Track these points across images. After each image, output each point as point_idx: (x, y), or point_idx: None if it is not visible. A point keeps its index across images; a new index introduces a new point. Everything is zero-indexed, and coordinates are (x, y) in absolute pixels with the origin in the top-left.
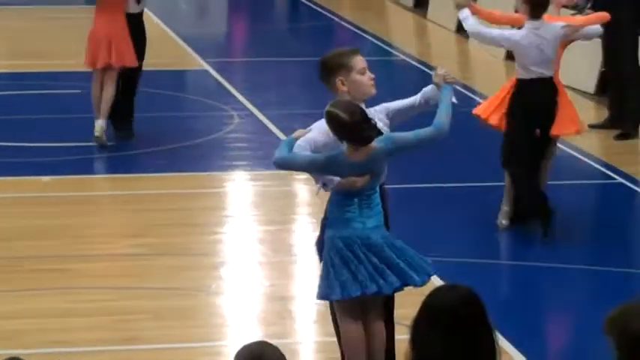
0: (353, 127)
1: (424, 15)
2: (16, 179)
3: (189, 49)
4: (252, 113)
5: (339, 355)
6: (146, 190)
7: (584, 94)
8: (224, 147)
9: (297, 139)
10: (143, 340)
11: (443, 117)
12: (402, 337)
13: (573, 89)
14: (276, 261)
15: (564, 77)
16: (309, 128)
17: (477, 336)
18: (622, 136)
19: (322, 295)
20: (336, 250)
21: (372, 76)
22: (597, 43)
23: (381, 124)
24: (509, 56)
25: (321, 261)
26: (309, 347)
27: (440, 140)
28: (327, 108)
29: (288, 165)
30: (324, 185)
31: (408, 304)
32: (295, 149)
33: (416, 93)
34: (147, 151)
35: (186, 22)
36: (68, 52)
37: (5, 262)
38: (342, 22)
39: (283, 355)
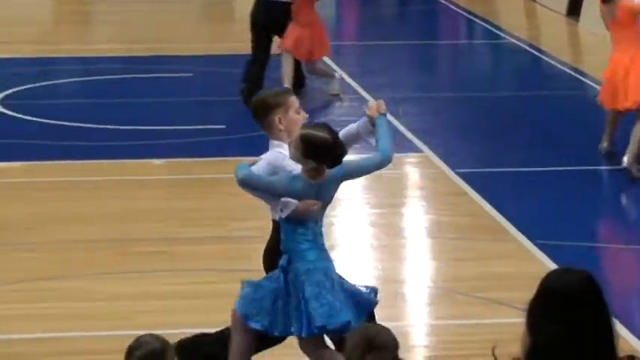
0: (333, 147)
1: None
2: (128, 162)
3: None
4: (361, 97)
5: (450, 337)
6: None
7: None
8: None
9: (249, 165)
10: None
11: (387, 145)
12: (513, 320)
13: None
14: (388, 244)
15: None
16: (259, 158)
17: (595, 319)
18: None
19: (326, 324)
20: (311, 282)
21: (306, 115)
22: None
23: None
24: None
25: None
26: (421, 330)
27: (384, 167)
28: (300, 132)
29: (254, 182)
30: (282, 210)
31: (518, 288)
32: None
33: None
34: (251, 135)
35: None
36: (181, 37)
37: (116, 245)
38: (451, 6)
39: (396, 337)
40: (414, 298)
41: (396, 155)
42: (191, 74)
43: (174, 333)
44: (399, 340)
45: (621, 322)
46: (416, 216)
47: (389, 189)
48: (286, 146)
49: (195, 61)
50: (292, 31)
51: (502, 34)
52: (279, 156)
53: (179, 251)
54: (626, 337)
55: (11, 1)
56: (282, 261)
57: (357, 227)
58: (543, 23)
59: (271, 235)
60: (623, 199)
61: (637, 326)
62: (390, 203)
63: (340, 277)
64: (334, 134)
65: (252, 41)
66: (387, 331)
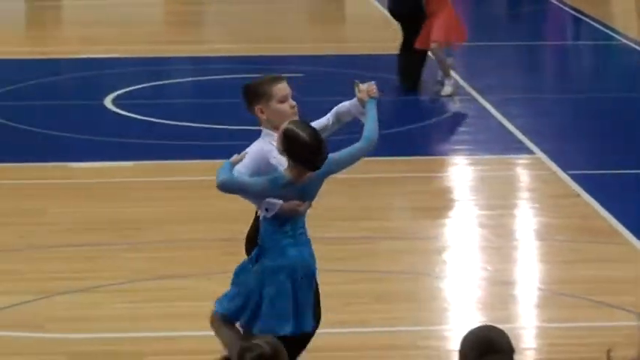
0: (310, 151)
1: None
2: None
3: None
4: (472, 97)
5: (561, 340)
6: (368, 173)
7: None
8: (445, 131)
9: (234, 163)
10: (368, 323)
11: (372, 129)
12: (625, 323)
13: None
14: (499, 246)
15: None
16: (244, 153)
17: None
18: None
19: (269, 329)
20: (274, 281)
21: (294, 104)
22: None
23: None
24: None
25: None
26: (531, 332)
27: (371, 152)
28: (286, 126)
29: (235, 186)
30: (267, 210)
31: (630, 292)
32: (235, 174)
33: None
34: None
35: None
36: (292, 37)
37: (227, 244)
38: (562, 6)
39: (510, 340)
40: (524, 300)
41: (507, 157)
42: (301, 74)
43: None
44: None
45: None
46: (526, 218)
47: (500, 191)
48: (276, 135)
49: (305, 61)
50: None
51: (614, 35)
52: (265, 149)
53: None
54: None
55: (124, 1)
56: (252, 254)
57: (468, 229)
58: None
59: (252, 224)
60: None
61: None
62: (501, 205)
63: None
64: (316, 139)
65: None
66: (501, 333)
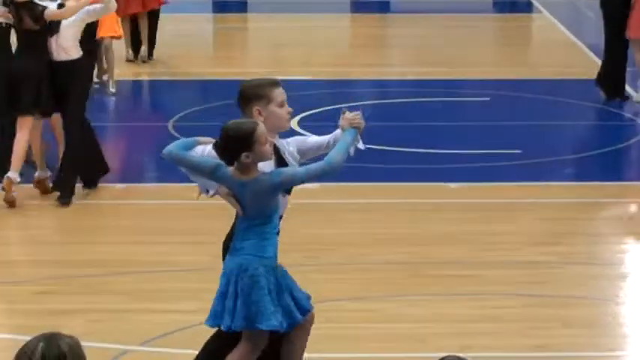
0: (226, 140)
1: None
2: (423, 185)
3: (595, 58)
4: None
5: None
6: (553, 198)
7: None
8: (629, 158)
9: (200, 143)
10: (552, 347)
11: (337, 154)
12: None
13: None
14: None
15: None
16: (211, 139)
17: None
18: None
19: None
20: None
21: (290, 110)
22: None
23: (289, 158)
24: None
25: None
26: None
27: (329, 176)
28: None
29: (178, 159)
30: (207, 191)
31: None
32: (191, 152)
33: None
34: (555, 159)
35: (588, 28)
36: (474, 60)
37: (414, 267)
38: None
39: None
40: None
41: None
42: (488, 98)
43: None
44: None
45: None
46: None
47: None
48: None
49: (492, 84)
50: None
51: None
52: None
53: (477, 275)
54: None
55: (311, 24)
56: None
57: None
58: None
59: (233, 224)
60: None
61: None
62: None
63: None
64: (238, 131)
65: None
66: None
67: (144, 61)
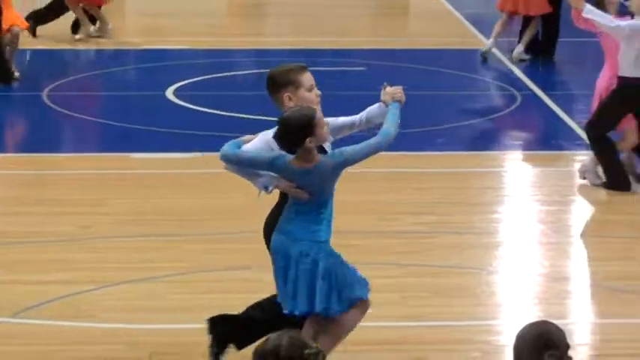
0: (285, 130)
1: None
2: None
3: (472, 29)
4: (534, 94)
5: (616, 336)
6: (427, 168)
7: None
8: (506, 127)
9: (245, 142)
10: (426, 316)
11: (390, 126)
12: None
13: None
14: (556, 241)
15: None
16: (256, 134)
17: None
18: None
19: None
20: (273, 261)
21: (319, 93)
22: None
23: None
24: None
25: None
26: (586, 328)
27: (385, 149)
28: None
29: (235, 159)
30: (265, 188)
31: None
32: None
33: None
34: (427, 130)
35: (470, 1)
36: (355, 30)
37: None
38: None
39: (565, 335)
40: (579, 296)
41: (566, 153)
42: (364, 68)
43: None
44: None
45: None
46: (584, 214)
47: (558, 187)
48: None
49: (368, 54)
50: None
51: None
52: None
53: (354, 245)
54: None
55: None
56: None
57: (525, 224)
58: None
59: (272, 210)
60: None
61: None
62: (559, 201)
63: (330, 261)
64: (296, 119)
65: None
66: (559, 329)
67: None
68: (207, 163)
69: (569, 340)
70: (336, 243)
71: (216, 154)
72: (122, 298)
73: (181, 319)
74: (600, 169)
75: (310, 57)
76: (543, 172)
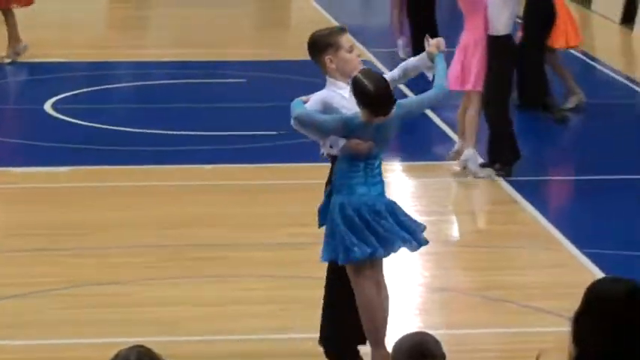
0: (376, 99)
1: (588, 6)
2: (176, 167)
3: (353, 39)
4: None
5: (497, 346)
6: (302, 179)
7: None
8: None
9: (304, 102)
10: (296, 329)
11: (442, 79)
12: (558, 329)
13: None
14: (436, 251)
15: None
16: (309, 97)
17: None
18: None
19: (329, 257)
20: (344, 215)
21: (359, 52)
22: None
23: None
24: None
25: (320, 226)
26: (464, 338)
27: (441, 100)
28: (355, 74)
29: (308, 121)
30: (331, 147)
31: (566, 297)
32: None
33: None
34: (303, 142)
35: (348, 10)
36: (236, 42)
37: (167, 250)
38: None
39: (441, 345)
40: (458, 306)
41: (445, 163)
42: (244, 80)
43: (216, 339)
44: (446, 347)
45: None
46: (464, 224)
47: (436, 196)
48: (340, 84)
49: (248, 66)
50: None
51: None
52: (331, 94)
53: (231, 257)
54: None
55: (67, 6)
56: (326, 192)
57: None
58: (597, 31)
59: (330, 171)
60: None
61: None
62: (437, 211)
63: (389, 209)
64: (380, 86)
65: None
66: (435, 339)
67: None
68: (80, 177)
69: (446, 350)
70: (205, 256)
71: (92, 168)
72: (1, 314)
73: (62, 334)
74: (478, 158)
75: (190, 69)
76: (422, 182)
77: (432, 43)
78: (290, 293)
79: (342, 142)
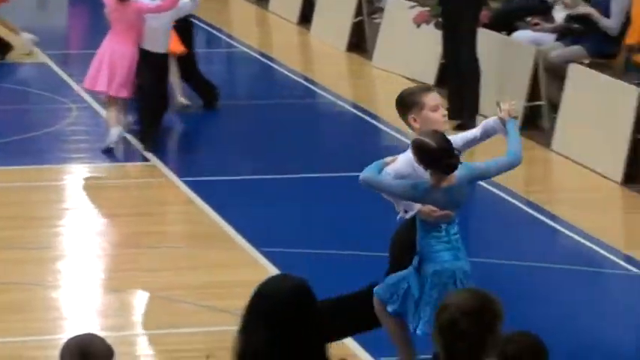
0: (439, 155)
1: (266, 7)
2: None
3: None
4: (90, 106)
5: (176, 347)
6: (12, 182)
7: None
8: (62, 140)
9: (387, 164)
10: None
11: (516, 147)
12: (233, 327)
13: (414, 80)
14: (115, 253)
15: (405, 69)
16: (396, 157)
17: (303, 327)
18: (460, 128)
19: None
20: (438, 284)
21: (445, 112)
22: (438, 34)
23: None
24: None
25: (391, 262)
26: (145, 339)
27: (514, 168)
28: (414, 138)
29: (375, 185)
30: (405, 212)
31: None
32: (383, 173)
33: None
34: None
35: (24, 13)
36: None
37: None
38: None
39: (110, 346)
40: (138, 307)
41: (123, 164)
42: None
43: None
44: (125, 349)
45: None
46: (142, 225)
47: (116, 198)
48: None
49: None
50: None
51: (234, 43)
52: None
53: None
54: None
55: None
56: (414, 262)
57: (84, 237)
58: (275, 31)
59: (400, 229)
60: (358, 206)
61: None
62: (117, 213)
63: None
64: (441, 143)
65: None
66: (100, 340)
67: None
68: None
69: (129, 351)
70: None
71: None
72: None
73: None
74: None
75: None
76: (102, 184)
77: (503, 109)
78: None
79: (415, 206)
